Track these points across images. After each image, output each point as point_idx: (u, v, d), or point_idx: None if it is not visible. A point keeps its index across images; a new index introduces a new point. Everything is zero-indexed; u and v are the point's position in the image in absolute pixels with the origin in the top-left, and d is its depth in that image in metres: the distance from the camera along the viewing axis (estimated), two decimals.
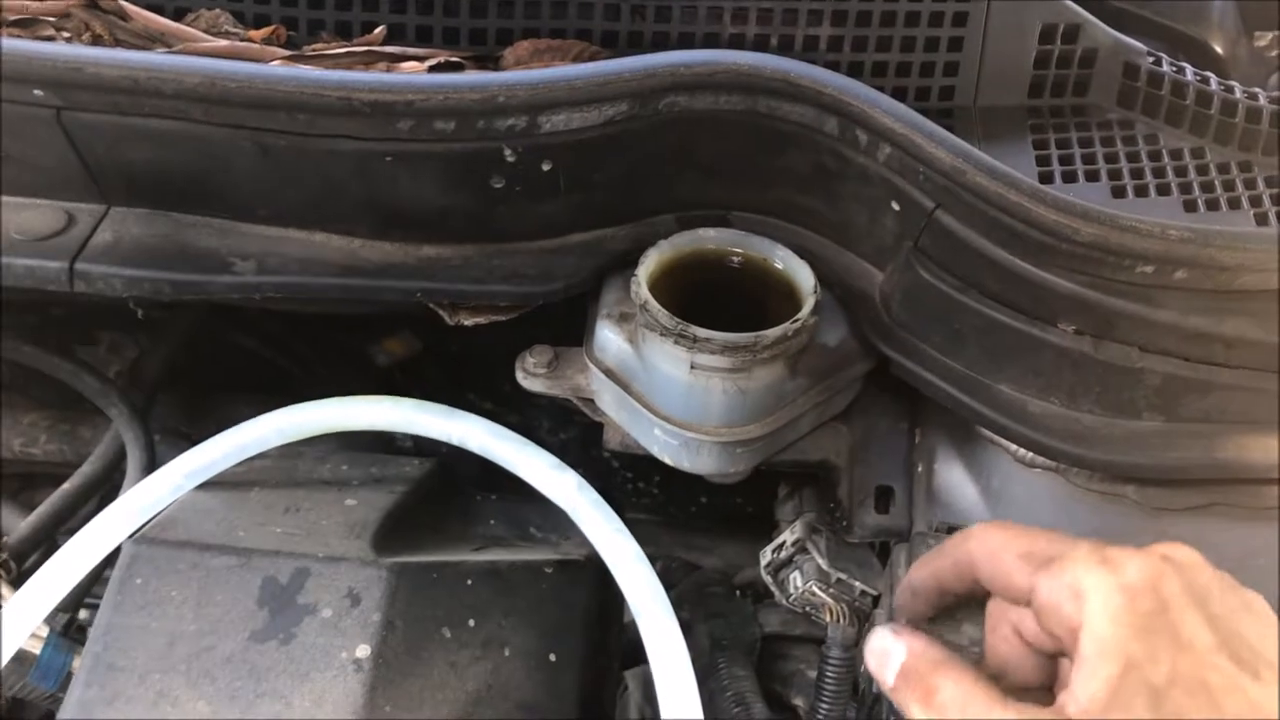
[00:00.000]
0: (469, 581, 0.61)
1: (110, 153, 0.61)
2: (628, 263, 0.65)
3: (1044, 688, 0.46)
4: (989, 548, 0.46)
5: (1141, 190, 0.64)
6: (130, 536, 0.59)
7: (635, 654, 0.59)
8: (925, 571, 0.51)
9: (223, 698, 0.54)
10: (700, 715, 0.54)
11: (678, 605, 0.84)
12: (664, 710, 0.54)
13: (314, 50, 0.65)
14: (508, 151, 0.59)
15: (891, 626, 0.48)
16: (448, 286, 0.65)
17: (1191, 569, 0.42)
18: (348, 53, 0.64)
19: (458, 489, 0.76)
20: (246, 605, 0.57)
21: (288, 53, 0.64)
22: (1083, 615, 0.41)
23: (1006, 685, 0.45)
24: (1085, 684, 0.40)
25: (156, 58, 0.57)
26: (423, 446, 0.67)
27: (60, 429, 0.90)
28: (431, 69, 0.64)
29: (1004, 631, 0.47)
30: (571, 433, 1.04)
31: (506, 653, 0.59)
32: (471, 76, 0.60)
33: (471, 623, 0.59)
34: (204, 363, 0.96)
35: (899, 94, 0.65)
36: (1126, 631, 0.40)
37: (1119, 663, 0.40)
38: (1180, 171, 0.65)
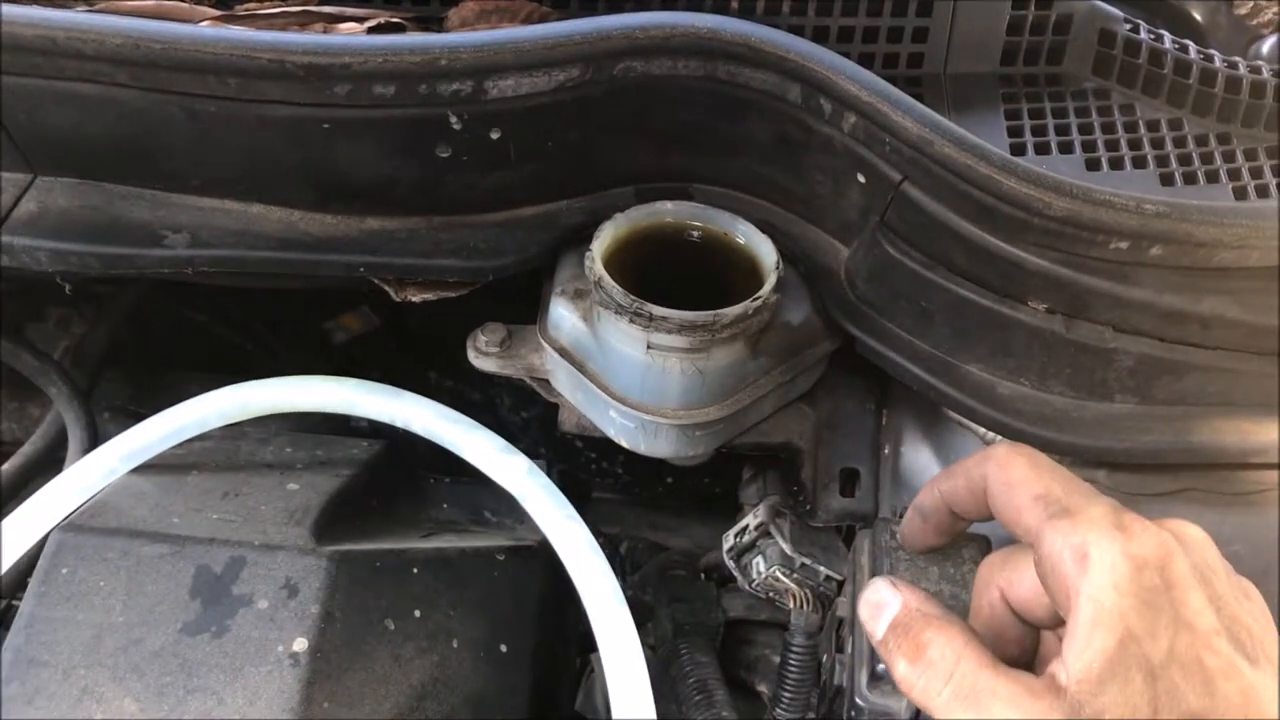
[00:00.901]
0: (415, 570, 0.59)
1: (32, 118, 0.58)
2: (583, 237, 0.62)
3: (1022, 663, 0.45)
4: (1006, 478, 0.45)
5: (1117, 163, 0.62)
6: (59, 523, 0.56)
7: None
8: (936, 493, 0.49)
9: (151, 694, 0.52)
10: (652, 710, 0.52)
11: (640, 588, 0.82)
12: (615, 707, 0.52)
13: (246, 10, 0.62)
14: (453, 118, 0.56)
15: (889, 578, 0.46)
16: (392, 261, 0.62)
17: (1200, 549, 0.41)
18: (282, 13, 0.61)
19: (409, 472, 0.74)
20: (178, 596, 0.54)
21: (218, 12, 0.61)
22: (1084, 579, 0.39)
23: None
24: (1080, 653, 0.39)
25: (77, 16, 0.54)
26: (379, 426, 0.64)
27: (9, 407, 0.87)
28: (371, 30, 0.62)
29: (990, 596, 0.46)
30: (534, 411, 1.01)
31: (454, 644, 0.58)
32: (412, 38, 0.57)
33: (417, 613, 0.57)
34: (156, 340, 0.93)
35: (865, 60, 0.63)
36: (1129, 602, 0.39)
37: (1117, 633, 0.38)
38: (1157, 143, 0.63)
